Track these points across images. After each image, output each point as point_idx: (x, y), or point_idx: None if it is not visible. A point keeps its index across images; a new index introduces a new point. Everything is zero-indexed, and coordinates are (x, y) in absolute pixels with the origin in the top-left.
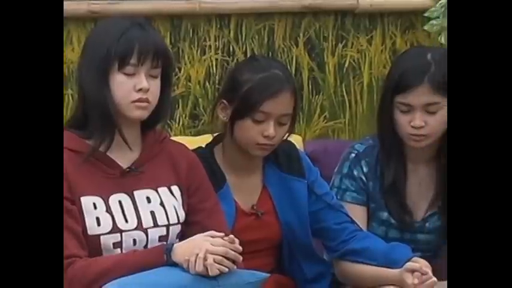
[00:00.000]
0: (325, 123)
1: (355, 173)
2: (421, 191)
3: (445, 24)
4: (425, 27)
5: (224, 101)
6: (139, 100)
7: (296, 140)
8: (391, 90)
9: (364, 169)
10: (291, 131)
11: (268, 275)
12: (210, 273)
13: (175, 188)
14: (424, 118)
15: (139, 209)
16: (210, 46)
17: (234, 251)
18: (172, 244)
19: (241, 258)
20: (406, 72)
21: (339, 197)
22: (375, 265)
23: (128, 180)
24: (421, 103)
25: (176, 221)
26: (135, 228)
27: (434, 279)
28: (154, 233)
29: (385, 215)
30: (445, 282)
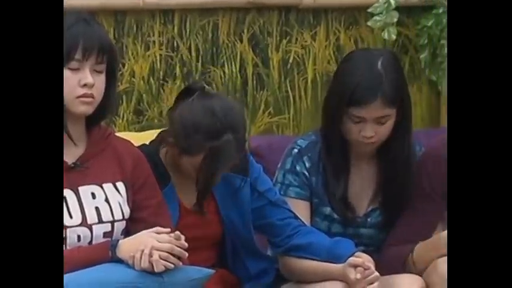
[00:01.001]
0: (270, 118)
1: (298, 168)
2: (363, 187)
3: (388, 20)
4: (369, 23)
5: None
6: (84, 95)
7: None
8: (344, 102)
9: (307, 164)
10: None
11: (213, 271)
12: (156, 270)
13: (120, 185)
14: (375, 129)
15: (84, 205)
16: (154, 42)
17: (180, 247)
18: (117, 240)
19: (186, 254)
20: (359, 87)
21: (282, 193)
22: (319, 260)
23: (72, 176)
24: (373, 117)
25: (121, 217)
26: (80, 224)
27: (377, 274)
28: (99, 229)
29: (327, 210)
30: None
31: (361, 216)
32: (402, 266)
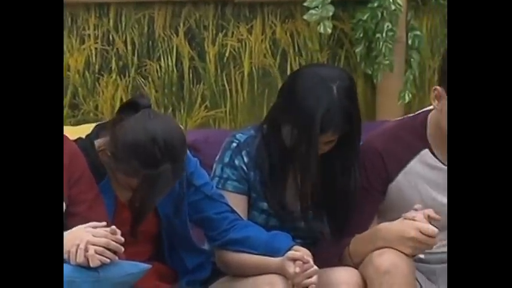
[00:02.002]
0: (206, 112)
1: (237, 162)
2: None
3: (324, 14)
4: (305, 17)
5: None
6: None
7: None
8: (301, 127)
9: (245, 159)
10: None
11: (150, 266)
12: (91, 264)
13: None
14: (322, 149)
15: None
16: (89, 35)
17: (116, 242)
18: None
19: (122, 249)
20: (322, 116)
21: (220, 186)
22: (256, 254)
23: None
24: (323, 141)
25: None
26: None
27: (316, 267)
28: None
29: (265, 204)
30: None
31: (297, 211)
32: (339, 259)
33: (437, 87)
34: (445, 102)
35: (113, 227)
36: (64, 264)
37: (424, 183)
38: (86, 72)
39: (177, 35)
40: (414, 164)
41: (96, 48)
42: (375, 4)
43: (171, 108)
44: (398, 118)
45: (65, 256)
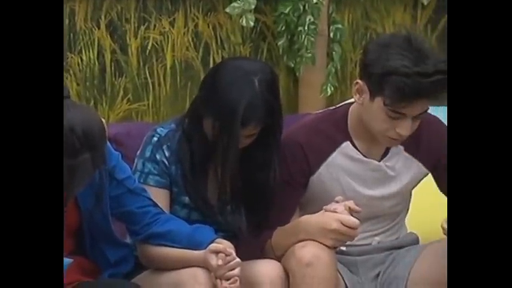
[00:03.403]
0: (129, 105)
1: (158, 156)
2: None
3: (246, 6)
4: (227, 10)
5: None
6: None
7: None
8: (221, 120)
9: (166, 153)
10: None
11: (71, 260)
12: None
13: None
14: (243, 142)
15: None
16: None
17: None
18: None
19: None
20: (244, 109)
21: (141, 181)
22: (179, 247)
23: None
24: (245, 135)
25: None
26: None
27: (238, 260)
28: None
29: (186, 198)
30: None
31: (218, 204)
32: (261, 252)
33: (359, 80)
34: (366, 96)
35: None
36: None
37: (345, 176)
38: None
39: (99, 28)
40: (335, 157)
41: None
42: None
43: (92, 102)
44: (320, 111)
45: None
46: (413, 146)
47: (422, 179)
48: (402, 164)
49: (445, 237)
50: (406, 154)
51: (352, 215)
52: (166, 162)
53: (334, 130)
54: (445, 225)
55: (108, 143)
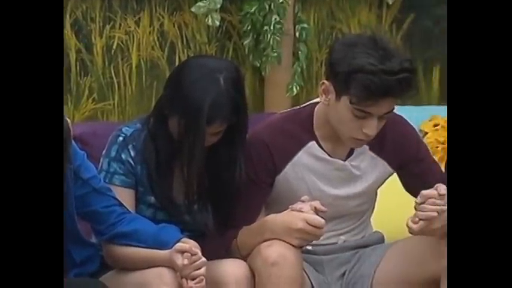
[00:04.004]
0: (94, 105)
1: (123, 156)
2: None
3: (212, 6)
4: (193, 9)
5: None
6: None
7: None
8: (202, 119)
9: (132, 153)
10: None
11: None
12: None
13: None
14: (209, 140)
15: None
16: None
17: None
18: None
19: None
20: (209, 107)
21: (107, 180)
22: (144, 247)
23: None
24: (211, 133)
25: None
26: None
27: (204, 259)
28: None
29: (152, 198)
30: None
31: (185, 203)
32: (227, 251)
33: (325, 81)
34: (332, 96)
35: None
36: None
37: (311, 175)
38: None
39: (64, 27)
40: (301, 156)
41: None
42: None
43: None
44: (286, 110)
45: None
46: (379, 145)
47: (387, 178)
48: (367, 164)
49: (411, 236)
50: (372, 153)
51: (318, 215)
52: (132, 162)
53: (299, 130)
54: (410, 224)
55: (74, 142)
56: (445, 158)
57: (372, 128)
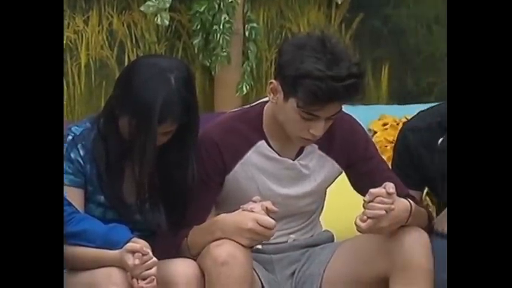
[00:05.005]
0: None
1: (72, 155)
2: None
3: (161, 5)
4: (142, 8)
5: None
6: None
7: None
8: (153, 119)
9: (81, 152)
10: None
11: None
12: None
13: None
14: (160, 140)
15: None
16: None
17: None
18: None
19: None
20: (160, 107)
21: None
22: (94, 247)
23: None
24: (161, 132)
25: None
26: None
27: (155, 259)
28: None
29: (102, 198)
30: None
31: (135, 203)
32: (177, 251)
33: (273, 80)
34: (280, 96)
35: None
36: None
37: (260, 174)
38: None
39: None
40: (250, 155)
41: None
42: None
43: None
44: (235, 109)
45: None
46: (327, 144)
47: (337, 177)
48: (316, 163)
49: (359, 234)
50: (321, 152)
51: (269, 215)
52: (81, 161)
53: (249, 129)
54: (359, 222)
55: None
56: (393, 156)
57: (318, 129)
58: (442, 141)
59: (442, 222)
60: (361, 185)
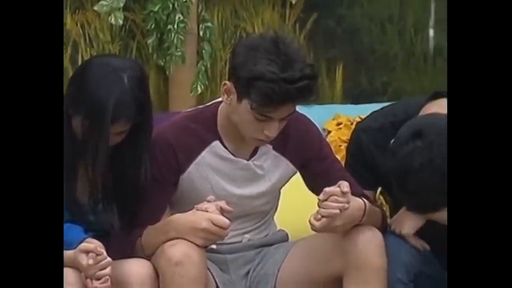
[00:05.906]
0: None
1: None
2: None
3: (115, 5)
4: (95, 8)
5: None
6: None
7: None
8: (106, 118)
9: None
10: None
11: None
12: None
13: None
14: (114, 140)
15: None
16: None
17: None
18: None
19: None
20: (113, 106)
21: None
22: None
23: None
24: (114, 132)
25: None
26: None
27: (109, 259)
28: None
29: None
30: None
31: (88, 203)
32: (131, 251)
33: (227, 81)
34: (234, 97)
35: None
36: None
37: (214, 174)
38: None
39: None
40: (205, 155)
41: None
42: None
43: None
44: (190, 109)
45: None
46: (282, 144)
47: (291, 177)
48: (271, 163)
49: (314, 233)
50: (275, 153)
51: (223, 215)
52: None
53: (203, 129)
54: (313, 221)
55: None
56: (346, 156)
57: (272, 129)
58: (394, 141)
59: (398, 223)
60: (315, 184)
